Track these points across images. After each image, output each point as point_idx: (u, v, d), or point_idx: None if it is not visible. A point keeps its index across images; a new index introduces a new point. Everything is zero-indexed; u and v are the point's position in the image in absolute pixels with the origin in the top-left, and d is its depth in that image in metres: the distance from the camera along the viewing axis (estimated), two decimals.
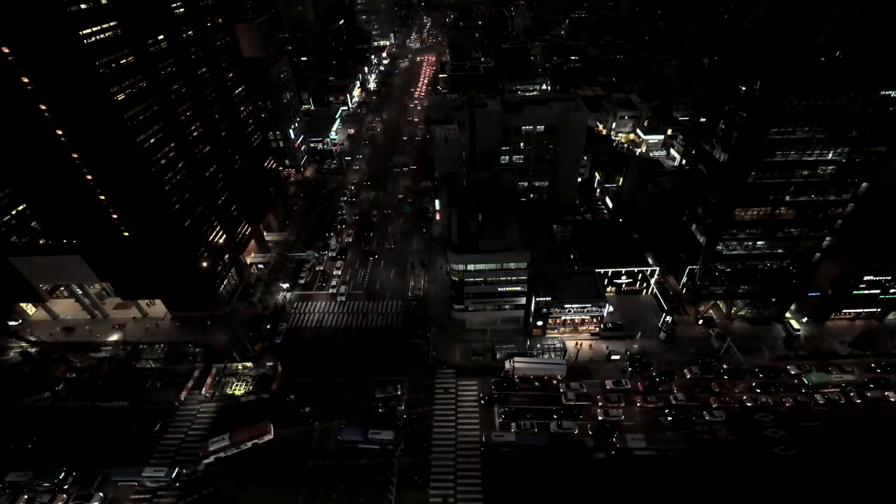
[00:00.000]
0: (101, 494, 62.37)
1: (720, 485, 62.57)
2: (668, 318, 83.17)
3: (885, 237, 75.39)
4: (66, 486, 63.36)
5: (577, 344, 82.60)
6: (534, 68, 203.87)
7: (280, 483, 63.53)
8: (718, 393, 73.93)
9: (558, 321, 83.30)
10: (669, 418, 70.47)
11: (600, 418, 70.56)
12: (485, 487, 62.50)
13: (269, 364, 79.49)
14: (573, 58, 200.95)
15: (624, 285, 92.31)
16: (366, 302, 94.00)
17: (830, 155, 68.74)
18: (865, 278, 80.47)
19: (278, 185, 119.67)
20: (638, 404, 72.66)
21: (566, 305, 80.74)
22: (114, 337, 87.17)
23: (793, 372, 77.06)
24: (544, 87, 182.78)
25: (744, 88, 70.91)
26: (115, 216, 74.44)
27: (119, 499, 62.65)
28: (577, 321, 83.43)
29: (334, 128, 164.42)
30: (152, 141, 71.28)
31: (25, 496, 62.48)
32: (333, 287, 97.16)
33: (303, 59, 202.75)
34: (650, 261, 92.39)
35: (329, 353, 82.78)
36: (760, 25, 75.10)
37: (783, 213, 74.82)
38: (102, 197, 72.20)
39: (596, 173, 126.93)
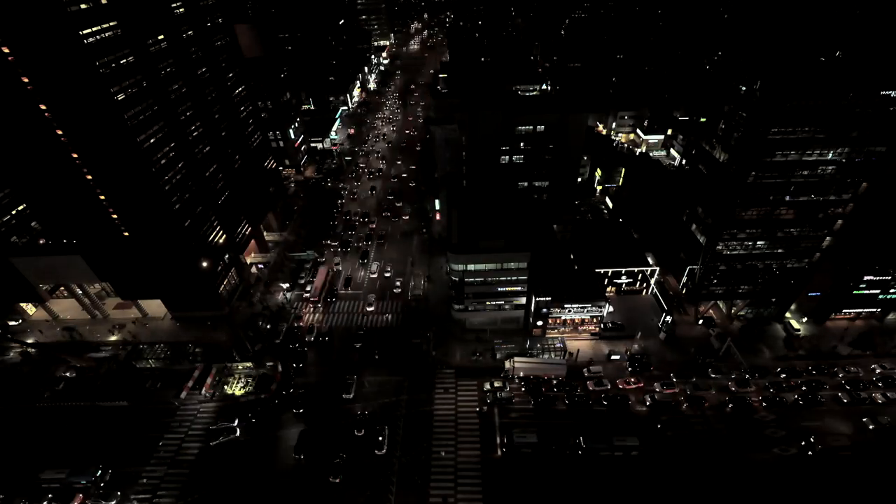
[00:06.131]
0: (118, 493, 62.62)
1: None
2: (668, 318, 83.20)
3: (886, 237, 75.36)
4: (101, 484, 63.32)
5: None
6: (534, 68, 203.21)
7: (278, 482, 63.56)
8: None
9: (558, 321, 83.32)
10: None
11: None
12: (484, 488, 62.55)
13: (268, 364, 79.55)
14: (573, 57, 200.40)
15: (624, 285, 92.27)
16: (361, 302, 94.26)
17: (830, 155, 68.74)
18: (865, 278, 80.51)
19: (278, 185, 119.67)
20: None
21: (566, 305, 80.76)
22: (114, 337, 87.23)
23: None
24: (544, 87, 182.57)
25: (744, 88, 70.94)
26: (115, 216, 74.39)
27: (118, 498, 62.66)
28: (577, 321, 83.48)
29: (334, 128, 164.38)
30: (152, 141, 71.22)
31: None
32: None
33: (303, 58, 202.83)
34: (650, 261, 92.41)
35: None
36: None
37: (783, 213, 74.87)
38: (102, 197, 72.16)
39: (596, 173, 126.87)
